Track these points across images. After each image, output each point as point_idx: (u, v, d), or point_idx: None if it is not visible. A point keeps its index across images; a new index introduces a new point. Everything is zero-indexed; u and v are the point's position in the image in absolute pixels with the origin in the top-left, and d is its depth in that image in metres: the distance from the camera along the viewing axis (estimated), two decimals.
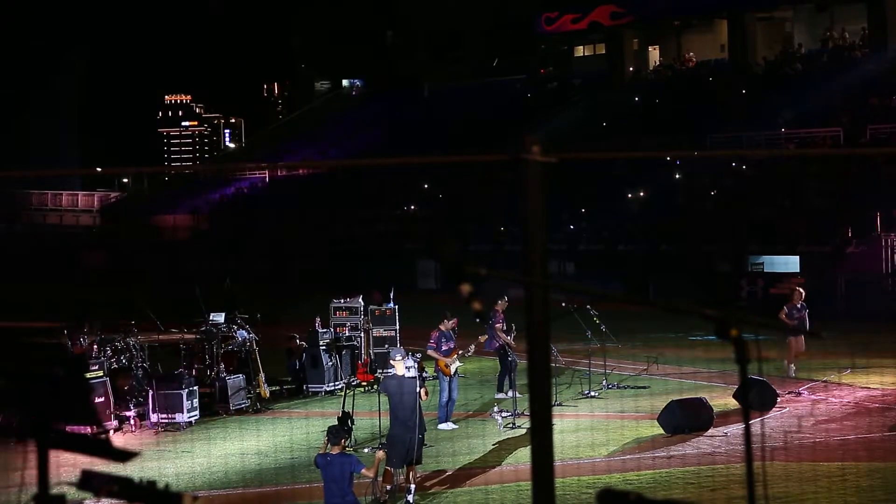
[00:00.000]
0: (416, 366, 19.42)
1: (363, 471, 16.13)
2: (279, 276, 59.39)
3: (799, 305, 28.18)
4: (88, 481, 3.80)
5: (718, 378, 27.93)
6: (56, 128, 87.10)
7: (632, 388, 28.21)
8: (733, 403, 24.56)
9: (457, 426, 24.46)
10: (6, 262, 58.96)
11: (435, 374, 26.04)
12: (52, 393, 3.87)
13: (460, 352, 25.65)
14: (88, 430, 12.87)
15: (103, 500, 3.98)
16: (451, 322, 25.58)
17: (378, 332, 31.43)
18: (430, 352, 25.18)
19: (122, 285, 47.00)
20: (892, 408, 24.70)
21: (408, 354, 19.85)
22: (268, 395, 28.27)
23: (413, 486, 18.09)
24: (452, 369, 24.79)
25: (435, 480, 19.78)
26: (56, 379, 3.87)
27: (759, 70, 71.04)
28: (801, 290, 29.12)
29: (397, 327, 31.15)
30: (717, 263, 50.66)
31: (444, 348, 25.05)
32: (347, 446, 18.13)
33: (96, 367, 24.59)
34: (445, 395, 24.70)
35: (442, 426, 24.19)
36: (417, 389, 18.46)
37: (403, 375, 18.76)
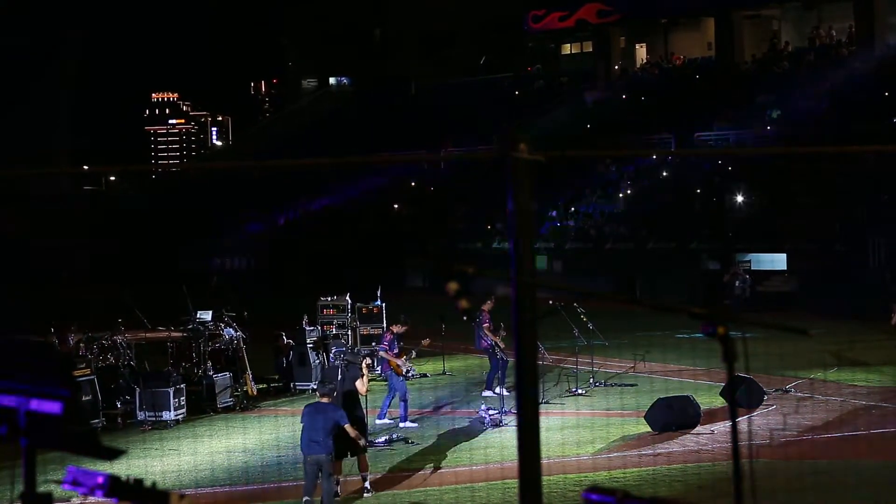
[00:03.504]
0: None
1: (346, 426, 17.11)
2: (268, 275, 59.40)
3: None
4: (75, 480, 3.79)
5: (705, 376, 27.96)
6: (44, 126, 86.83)
7: (619, 385, 28.24)
8: (720, 401, 24.61)
9: (416, 425, 24.44)
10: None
11: (383, 375, 26.13)
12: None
13: (411, 352, 26.05)
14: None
15: (90, 498, 3.97)
16: (404, 327, 25.75)
17: (365, 329, 31.46)
18: (381, 353, 25.43)
19: (110, 283, 46.94)
20: (877, 405, 24.77)
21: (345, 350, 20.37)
22: (255, 392, 28.28)
23: (367, 475, 18.50)
24: (404, 369, 24.98)
25: (421, 477, 19.79)
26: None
27: (746, 68, 71.12)
28: None
29: (384, 325, 31.17)
30: (705, 261, 50.79)
31: (394, 350, 25.22)
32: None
33: (83, 366, 24.58)
34: (408, 393, 24.83)
35: (403, 424, 24.20)
36: (356, 383, 19.32)
37: (339, 366, 19.44)
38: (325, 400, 17.23)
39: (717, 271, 49.35)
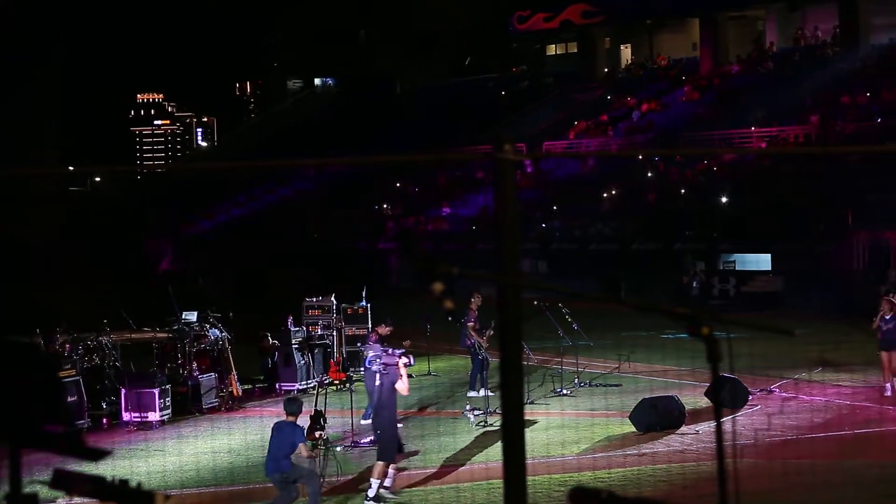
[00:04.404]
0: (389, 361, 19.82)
1: (300, 445, 16.83)
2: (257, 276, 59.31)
3: (888, 317, 26.97)
4: (60, 480, 3.79)
5: (690, 376, 27.98)
6: (32, 127, 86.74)
7: (603, 386, 28.25)
8: (704, 401, 24.63)
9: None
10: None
11: None
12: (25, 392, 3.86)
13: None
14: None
15: (75, 499, 3.97)
16: (389, 329, 25.67)
17: (350, 330, 31.41)
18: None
19: (96, 284, 46.81)
20: (862, 405, 24.82)
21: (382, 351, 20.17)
22: (240, 393, 28.24)
23: (375, 482, 18.29)
24: None
25: (406, 479, 19.78)
26: (29, 378, 3.87)
27: (731, 69, 71.25)
28: (893, 300, 27.87)
29: (370, 326, 31.12)
30: (689, 262, 50.85)
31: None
32: (323, 445, 18.51)
33: (69, 367, 24.52)
34: None
35: None
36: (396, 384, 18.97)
37: (377, 371, 19.29)
38: (290, 419, 17.01)
39: (703, 271, 49.44)
